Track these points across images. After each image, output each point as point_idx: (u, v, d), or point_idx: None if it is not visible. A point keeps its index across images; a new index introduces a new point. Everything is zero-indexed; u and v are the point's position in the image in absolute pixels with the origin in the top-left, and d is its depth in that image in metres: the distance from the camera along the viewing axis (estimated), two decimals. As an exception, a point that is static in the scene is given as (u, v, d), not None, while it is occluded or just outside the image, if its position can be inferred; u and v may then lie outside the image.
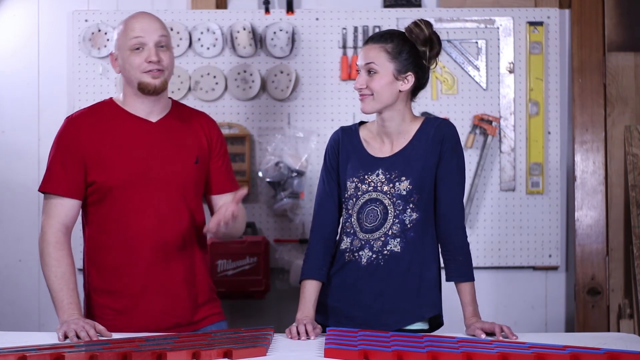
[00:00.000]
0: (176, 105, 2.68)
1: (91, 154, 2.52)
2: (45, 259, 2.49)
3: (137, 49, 2.51)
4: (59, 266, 2.48)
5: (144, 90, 2.53)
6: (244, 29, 3.72)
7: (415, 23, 2.49)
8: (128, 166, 2.52)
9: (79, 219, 2.63)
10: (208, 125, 2.69)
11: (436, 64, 2.54)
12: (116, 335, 2.34)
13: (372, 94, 2.45)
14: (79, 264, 3.78)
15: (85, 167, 2.52)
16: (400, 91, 2.47)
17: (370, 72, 2.45)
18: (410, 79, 2.48)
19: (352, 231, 2.51)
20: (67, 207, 2.53)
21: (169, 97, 2.68)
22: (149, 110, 2.58)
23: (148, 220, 2.53)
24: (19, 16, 3.83)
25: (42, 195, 3.79)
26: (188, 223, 2.58)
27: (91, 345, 2.16)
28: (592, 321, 3.73)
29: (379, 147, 2.53)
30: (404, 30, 2.50)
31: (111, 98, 2.64)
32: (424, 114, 3.71)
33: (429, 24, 2.48)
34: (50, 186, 2.54)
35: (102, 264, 2.56)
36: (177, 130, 2.60)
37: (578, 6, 3.79)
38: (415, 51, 2.47)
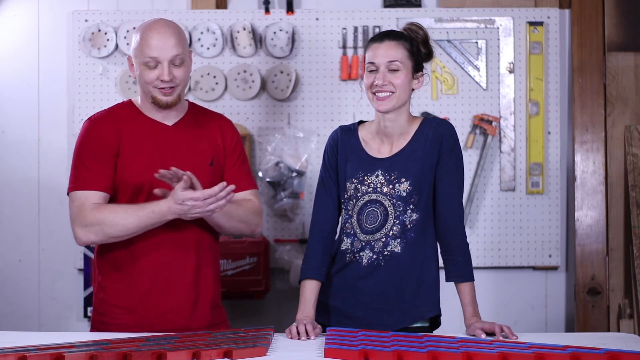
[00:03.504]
0: (192, 108, 2.69)
1: (115, 152, 2.54)
2: (101, 223, 2.46)
3: (152, 65, 2.51)
4: (113, 210, 2.47)
5: (156, 105, 2.56)
6: (244, 29, 3.72)
7: (412, 24, 2.52)
8: (142, 167, 2.53)
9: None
10: (225, 126, 2.70)
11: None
12: (119, 335, 2.34)
13: (394, 92, 2.45)
14: (80, 264, 3.81)
15: (115, 161, 2.53)
16: (412, 90, 2.49)
17: (391, 69, 2.44)
18: (422, 78, 2.50)
19: (352, 232, 2.51)
20: (96, 198, 2.52)
21: (185, 99, 2.70)
22: (164, 116, 2.61)
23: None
24: (19, 16, 3.83)
25: (41, 195, 3.81)
26: (199, 226, 2.59)
27: (91, 345, 2.16)
28: (592, 321, 3.73)
29: (377, 148, 2.53)
30: (403, 32, 2.51)
31: (130, 100, 2.66)
32: (424, 114, 3.71)
33: (423, 27, 2.52)
34: (81, 185, 2.52)
35: (112, 262, 2.57)
36: (193, 133, 2.62)
37: (578, 6, 3.79)
38: (421, 52, 2.50)
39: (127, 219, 2.46)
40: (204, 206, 2.41)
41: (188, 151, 2.59)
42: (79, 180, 2.53)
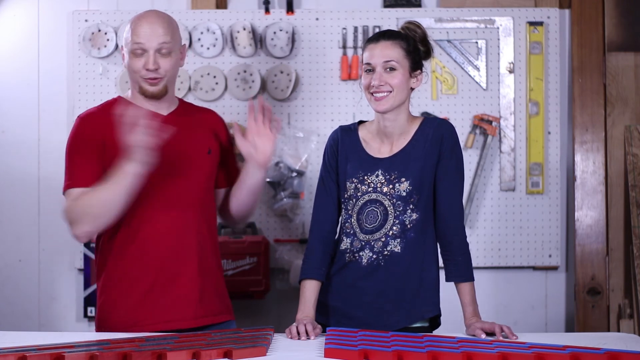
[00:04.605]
0: (183, 103, 2.70)
1: (106, 147, 2.51)
2: (87, 209, 2.43)
3: (138, 53, 2.51)
4: (89, 193, 2.44)
5: (144, 94, 2.56)
6: (244, 29, 3.72)
7: (410, 22, 2.53)
8: None
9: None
10: (217, 120, 2.71)
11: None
12: (119, 335, 2.34)
13: (392, 91, 2.45)
14: (80, 264, 3.81)
15: (104, 158, 2.50)
16: (411, 89, 2.49)
17: (388, 69, 2.44)
18: (421, 77, 2.50)
19: (351, 232, 2.51)
20: None
21: (177, 97, 2.70)
22: (156, 107, 2.59)
23: (159, 212, 2.53)
24: (19, 16, 3.83)
25: (41, 195, 3.81)
26: (200, 216, 2.58)
27: (91, 345, 2.16)
28: (592, 321, 3.73)
29: (378, 148, 2.53)
30: (400, 30, 2.52)
31: (119, 96, 2.66)
32: (424, 114, 3.71)
33: (421, 25, 2.53)
34: (74, 182, 2.50)
35: (114, 258, 2.56)
36: (188, 123, 2.62)
37: (578, 6, 3.79)
38: (419, 50, 2.50)
39: (101, 192, 2.41)
40: (143, 127, 2.32)
41: (185, 139, 2.58)
42: (71, 179, 2.51)
